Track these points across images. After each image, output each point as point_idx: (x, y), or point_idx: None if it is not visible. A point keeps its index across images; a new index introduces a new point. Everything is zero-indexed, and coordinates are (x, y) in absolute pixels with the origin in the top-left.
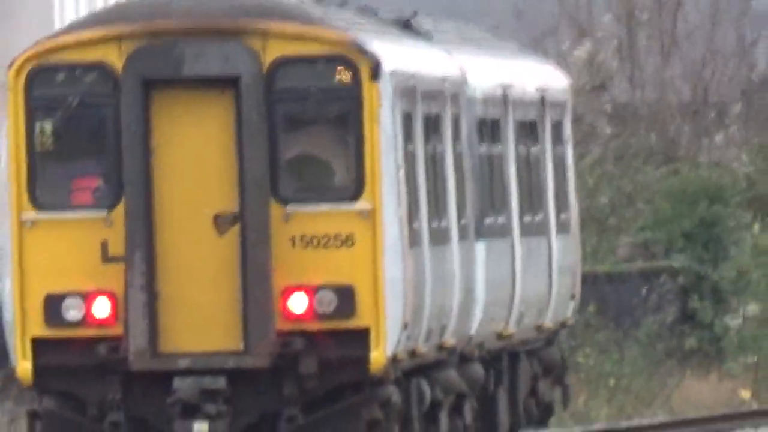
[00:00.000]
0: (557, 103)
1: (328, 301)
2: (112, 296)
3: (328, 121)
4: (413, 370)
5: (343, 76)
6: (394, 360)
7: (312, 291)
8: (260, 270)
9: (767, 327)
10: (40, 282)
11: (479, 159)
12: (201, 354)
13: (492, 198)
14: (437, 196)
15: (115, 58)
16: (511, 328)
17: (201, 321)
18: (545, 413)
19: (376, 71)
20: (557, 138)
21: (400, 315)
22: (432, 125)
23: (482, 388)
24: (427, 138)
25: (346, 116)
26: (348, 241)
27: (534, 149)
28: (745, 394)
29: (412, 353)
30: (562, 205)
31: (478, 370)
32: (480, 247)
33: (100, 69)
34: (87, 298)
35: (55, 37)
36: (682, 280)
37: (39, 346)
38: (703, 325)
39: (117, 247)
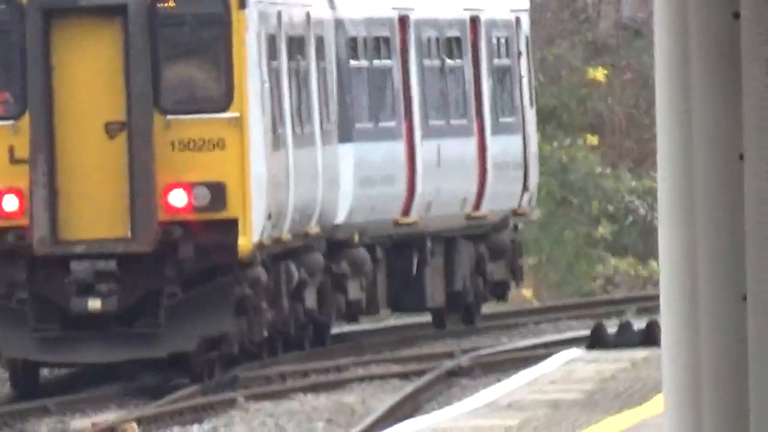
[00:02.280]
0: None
1: (203, 196)
2: (19, 192)
3: (202, 43)
4: (283, 254)
5: (215, 5)
6: (260, 246)
7: (189, 187)
8: (144, 169)
9: (546, 230)
10: None
11: (356, 72)
12: (94, 241)
13: (376, 105)
14: (300, 107)
15: None
16: (413, 217)
17: (94, 213)
18: (500, 290)
19: (242, 0)
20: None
21: (264, 208)
22: (296, 46)
23: (370, 270)
24: (291, 56)
25: (217, 39)
26: (219, 144)
27: (446, 62)
28: (527, 293)
29: (278, 240)
30: (502, 110)
31: (357, 254)
32: (346, 149)
33: (8, 0)
34: None
35: None
36: None
37: None
38: None
39: (23, 151)
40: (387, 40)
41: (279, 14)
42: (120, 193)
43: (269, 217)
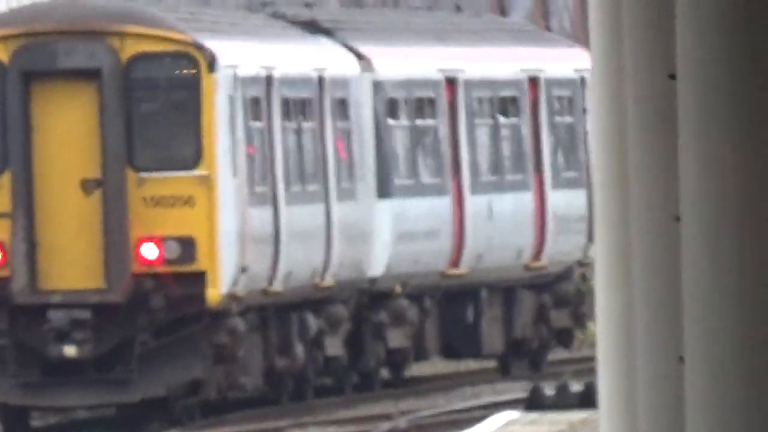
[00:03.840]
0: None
1: (174, 249)
2: (1, 245)
3: (173, 104)
4: (295, 305)
5: (185, 69)
6: (234, 297)
7: (160, 241)
8: (118, 224)
9: None
10: None
11: (396, 130)
12: (71, 291)
13: (419, 162)
14: (302, 165)
15: (2, 54)
16: (462, 269)
17: (71, 264)
18: (564, 338)
19: (212, 65)
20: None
21: (234, 261)
22: (297, 107)
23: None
24: (288, 117)
25: (187, 101)
26: (189, 201)
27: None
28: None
29: (264, 292)
30: (565, 165)
31: (397, 304)
32: (385, 205)
33: None
34: None
35: None
36: None
37: None
38: None
39: (4, 206)
40: (432, 101)
41: (268, 77)
42: (95, 246)
43: (242, 270)
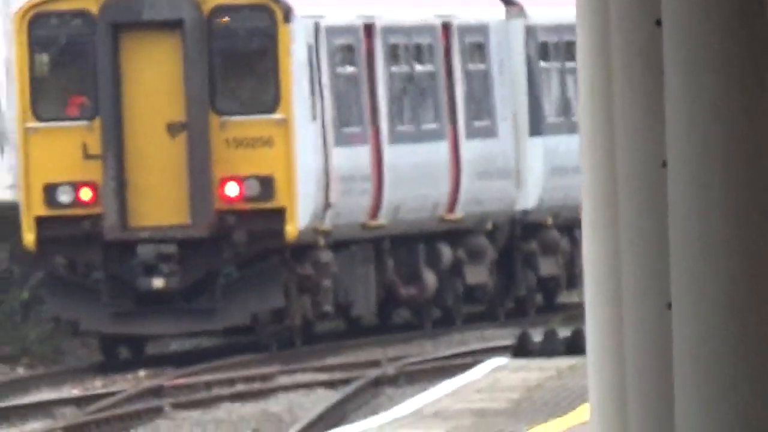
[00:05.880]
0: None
1: (254, 187)
2: (93, 185)
3: (252, 53)
4: (427, 236)
5: (263, 20)
6: (318, 231)
7: (242, 180)
8: (202, 164)
9: None
10: (40, 174)
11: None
12: (158, 227)
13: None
14: (415, 106)
15: (93, 7)
16: None
17: (158, 202)
18: None
19: (287, 16)
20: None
21: (315, 198)
22: (409, 53)
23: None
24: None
25: (265, 50)
26: (269, 142)
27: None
28: None
29: (363, 226)
30: None
31: (548, 235)
32: (536, 142)
33: (82, 15)
34: (75, 186)
35: None
36: None
37: (40, 222)
38: None
39: (95, 148)
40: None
41: (367, 26)
42: (181, 185)
43: (327, 206)
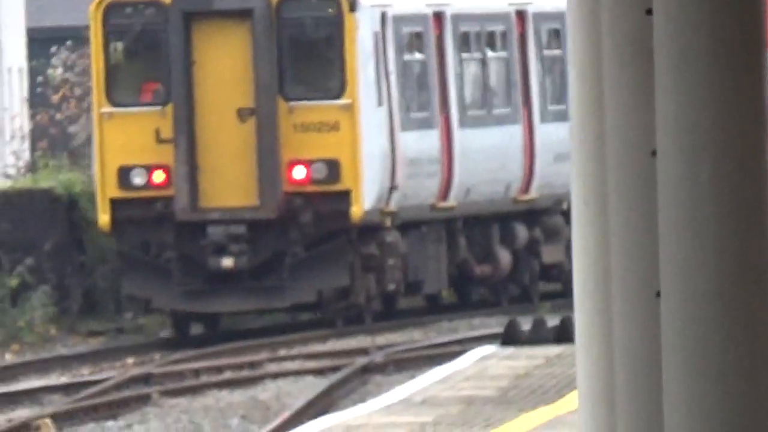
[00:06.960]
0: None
1: (320, 170)
2: (165, 167)
3: (319, 41)
4: (503, 216)
5: (329, 9)
6: (384, 213)
7: (308, 163)
8: (270, 148)
9: None
10: (115, 158)
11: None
12: (228, 209)
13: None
14: (486, 91)
15: None
16: None
17: (228, 185)
18: None
19: (353, 5)
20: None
21: (380, 180)
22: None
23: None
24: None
25: (331, 38)
26: (335, 127)
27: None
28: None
29: (432, 207)
30: None
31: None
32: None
33: (155, 4)
34: (148, 169)
35: None
36: None
37: (115, 204)
38: None
39: (168, 133)
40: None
41: (437, 14)
42: (250, 168)
43: (392, 188)
